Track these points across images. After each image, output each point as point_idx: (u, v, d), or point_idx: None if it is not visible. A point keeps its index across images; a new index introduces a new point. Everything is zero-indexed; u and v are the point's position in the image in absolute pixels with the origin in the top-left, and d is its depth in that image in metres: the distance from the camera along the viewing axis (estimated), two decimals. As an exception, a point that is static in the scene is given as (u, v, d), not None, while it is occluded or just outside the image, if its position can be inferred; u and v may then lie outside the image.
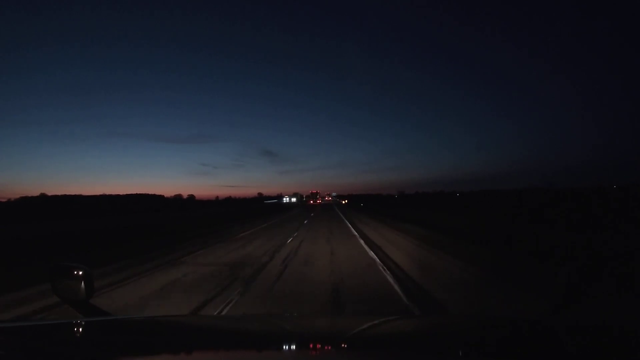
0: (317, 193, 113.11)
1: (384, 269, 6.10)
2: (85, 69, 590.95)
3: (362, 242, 10.07)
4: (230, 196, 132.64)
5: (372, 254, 7.88)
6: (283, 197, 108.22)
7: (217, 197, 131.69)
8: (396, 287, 4.89)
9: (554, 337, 1.02)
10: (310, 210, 38.07)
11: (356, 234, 12.50)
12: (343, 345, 1.00)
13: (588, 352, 0.89)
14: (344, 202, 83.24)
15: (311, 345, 1.00)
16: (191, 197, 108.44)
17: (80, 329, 1.08)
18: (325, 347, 0.96)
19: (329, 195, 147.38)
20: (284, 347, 1.02)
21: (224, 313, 3.86)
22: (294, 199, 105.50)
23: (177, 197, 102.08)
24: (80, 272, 1.26)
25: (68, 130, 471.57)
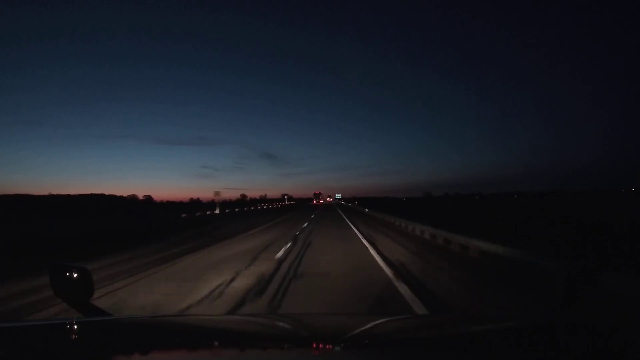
0: (320, 194, 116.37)
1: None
2: (85, 70, 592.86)
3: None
4: (199, 198, 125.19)
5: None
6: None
7: (191, 198, 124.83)
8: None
9: (555, 337, 1.01)
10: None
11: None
12: (344, 344, 0.99)
13: (588, 352, 0.88)
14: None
15: (314, 345, 1.00)
16: (148, 197, 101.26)
17: (80, 329, 1.07)
18: (327, 347, 0.95)
19: (330, 196, 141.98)
20: (285, 347, 1.01)
21: None
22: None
23: (133, 198, 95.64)
24: (80, 272, 1.26)
25: (67, 131, 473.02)
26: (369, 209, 29.27)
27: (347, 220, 20.42)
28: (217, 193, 33.39)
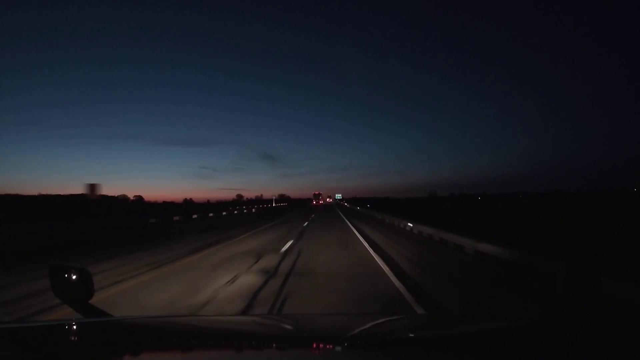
0: (319, 194, 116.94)
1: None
2: (83, 70, 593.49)
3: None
4: (191, 198, 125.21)
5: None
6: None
7: (185, 199, 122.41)
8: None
9: (555, 336, 1.01)
10: None
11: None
12: (344, 344, 0.99)
13: (588, 352, 0.88)
14: None
15: (314, 345, 1.00)
16: (139, 198, 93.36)
17: (80, 329, 1.07)
18: (327, 347, 0.95)
19: (330, 197, 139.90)
20: (285, 346, 1.01)
21: None
22: None
23: (124, 198, 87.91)
24: (80, 273, 1.26)
25: (64, 132, 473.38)
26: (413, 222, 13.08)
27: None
28: (92, 187, 18.01)
